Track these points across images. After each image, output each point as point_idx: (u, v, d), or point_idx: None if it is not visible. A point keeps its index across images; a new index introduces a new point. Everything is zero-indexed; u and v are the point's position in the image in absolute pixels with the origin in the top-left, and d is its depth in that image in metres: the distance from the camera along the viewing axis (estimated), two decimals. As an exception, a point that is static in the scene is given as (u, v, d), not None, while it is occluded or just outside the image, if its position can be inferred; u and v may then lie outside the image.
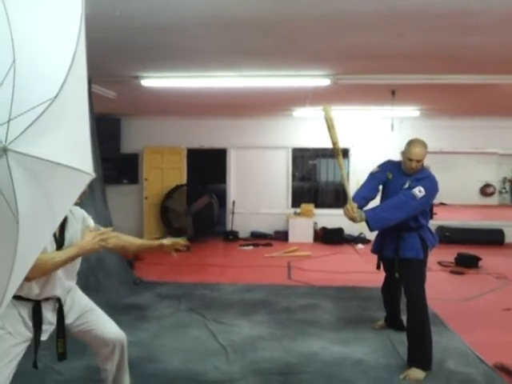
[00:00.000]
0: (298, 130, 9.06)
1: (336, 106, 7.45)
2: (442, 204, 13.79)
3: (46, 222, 1.70)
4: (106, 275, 4.91)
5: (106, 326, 2.40)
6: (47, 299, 2.20)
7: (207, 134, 9.09)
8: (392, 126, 6.97)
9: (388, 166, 3.50)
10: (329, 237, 8.54)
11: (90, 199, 4.79)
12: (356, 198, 3.26)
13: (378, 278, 3.88)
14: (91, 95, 5.01)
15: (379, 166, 3.54)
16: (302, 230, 8.74)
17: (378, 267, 3.60)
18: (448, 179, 13.77)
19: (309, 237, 8.71)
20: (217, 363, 3.28)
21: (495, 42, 3.72)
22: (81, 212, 2.34)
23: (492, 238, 8.51)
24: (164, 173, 9.15)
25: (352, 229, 8.13)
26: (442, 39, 3.68)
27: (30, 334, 2.14)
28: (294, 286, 5.47)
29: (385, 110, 7.35)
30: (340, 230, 8.54)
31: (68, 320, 2.31)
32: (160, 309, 4.51)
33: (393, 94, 6.05)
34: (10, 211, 1.48)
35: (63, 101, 1.45)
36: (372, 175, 3.52)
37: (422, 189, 3.09)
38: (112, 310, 4.41)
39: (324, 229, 8.72)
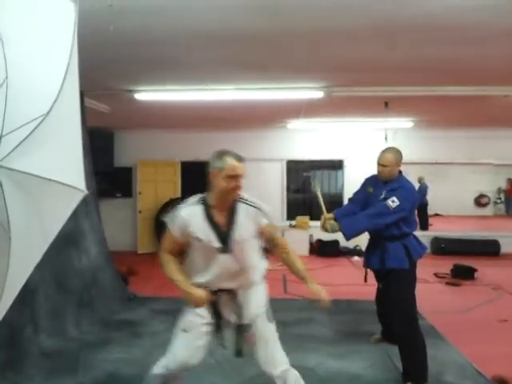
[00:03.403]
0: (293, 142, 9.08)
1: (330, 118, 7.49)
2: (437, 215, 13.84)
3: (38, 239, 1.68)
4: (99, 291, 4.85)
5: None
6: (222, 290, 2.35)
7: (201, 147, 9.05)
8: (386, 138, 6.99)
9: (369, 181, 3.55)
10: (324, 249, 8.51)
11: (83, 213, 4.75)
12: (338, 212, 3.47)
13: (374, 290, 3.86)
14: (84, 109, 5.00)
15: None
16: (297, 242, 8.68)
17: (366, 280, 3.59)
18: (443, 190, 13.87)
19: (304, 249, 8.68)
20: (213, 380, 3.23)
21: (488, 54, 3.76)
22: (253, 210, 2.36)
23: (487, 249, 8.52)
24: (158, 186, 9.12)
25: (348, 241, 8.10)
26: (436, 52, 3.71)
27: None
28: (289, 300, 5.43)
29: (378, 122, 7.38)
30: (336, 243, 8.52)
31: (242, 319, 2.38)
32: (154, 325, 4.45)
33: (386, 106, 6.09)
34: (1, 227, 1.46)
35: (55, 117, 1.44)
36: (354, 194, 3.64)
37: (395, 199, 3.12)
38: (106, 326, 4.37)
39: (320, 241, 8.69)
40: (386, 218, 3.12)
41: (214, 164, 2.26)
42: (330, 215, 3.39)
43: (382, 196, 3.23)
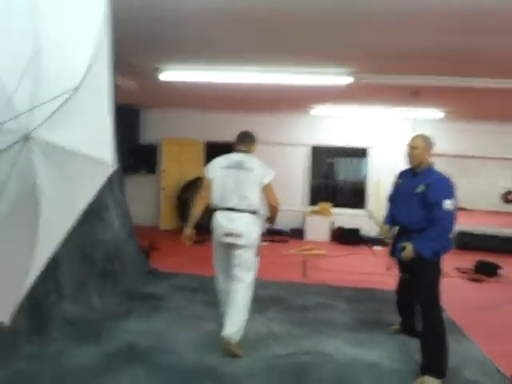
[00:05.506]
0: (318, 127, 8.97)
1: (356, 105, 7.36)
2: (462, 209, 13.58)
3: (67, 211, 1.70)
4: (122, 263, 4.93)
5: None
6: None
7: (225, 128, 9.02)
8: (413, 127, 6.85)
9: (399, 174, 3.61)
10: (345, 237, 8.45)
11: (107, 187, 4.82)
12: (387, 220, 3.66)
13: (393, 280, 3.82)
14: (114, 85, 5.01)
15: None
16: (318, 228, 8.67)
17: (389, 268, 3.59)
18: (469, 184, 13.56)
19: (325, 235, 8.65)
20: (229, 358, 3.27)
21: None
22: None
23: (512, 247, 8.32)
24: (182, 165, 9.17)
25: (369, 230, 8.01)
26: (464, 40, 3.57)
27: None
28: (308, 285, 5.43)
29: (405, 111, 7.22)
30: (356, 231, 8.45)
31: None
32: (175, 300, 4.52)
33: (415, 95, 5.93)
34: (32, 197, 1.49)
35: (86, 90, 1.44)
36: (391, 193, 3.69)
37: (448, 201, 3.12)
38: (128, 298, 4.46)
39: (340, 228, 8.63)
40: (452, 221, 3.20)
41: (256, 140, 3.89)
42: (387, 227, 3.64)
43: (419, 189, 3.21)
